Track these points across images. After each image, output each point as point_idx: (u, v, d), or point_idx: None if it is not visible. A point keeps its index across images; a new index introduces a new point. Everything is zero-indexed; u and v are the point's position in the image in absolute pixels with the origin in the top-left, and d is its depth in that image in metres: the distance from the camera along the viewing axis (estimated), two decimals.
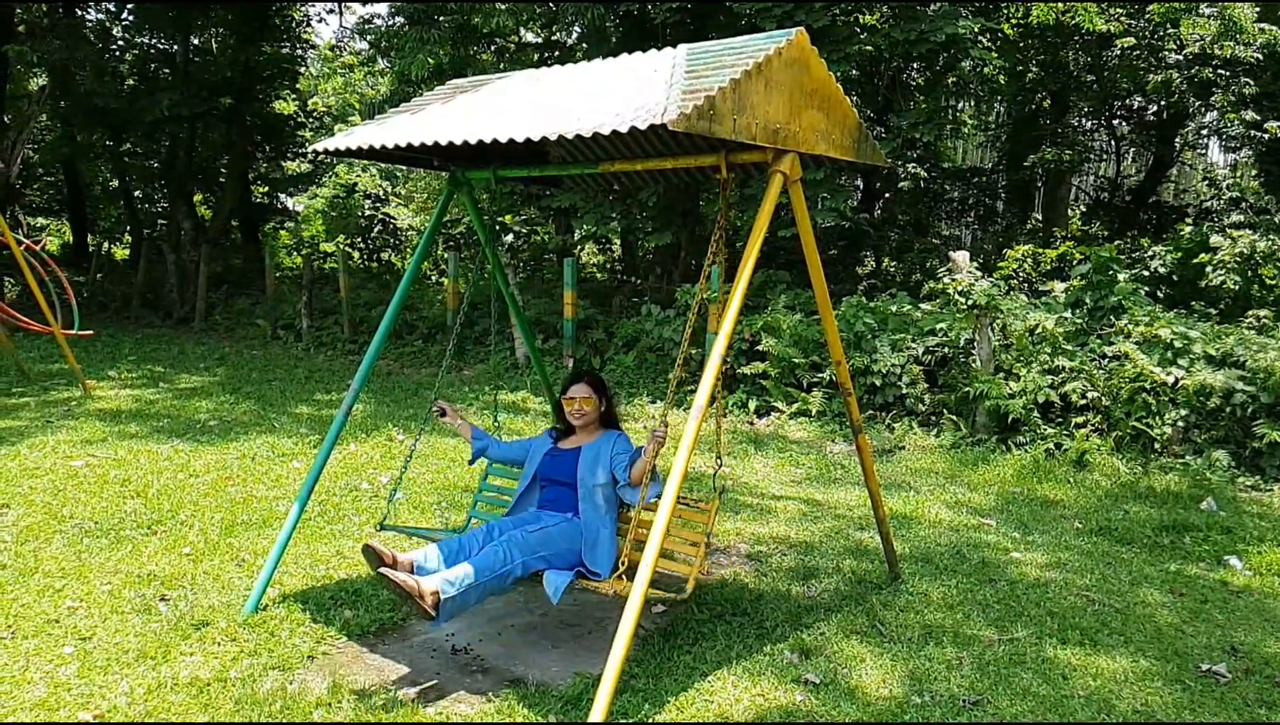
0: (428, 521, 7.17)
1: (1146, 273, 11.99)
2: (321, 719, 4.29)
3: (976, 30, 13.03)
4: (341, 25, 32.92)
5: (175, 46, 22.86)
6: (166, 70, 23.20)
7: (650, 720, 4.34)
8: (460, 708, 4.42)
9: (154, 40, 23.72)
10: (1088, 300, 11.10)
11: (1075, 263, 12.69)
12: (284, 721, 4.26)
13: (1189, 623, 5.70)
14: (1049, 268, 13.91)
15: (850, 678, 4.78)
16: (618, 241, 21.48)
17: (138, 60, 23.55)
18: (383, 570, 4.50)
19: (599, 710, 3.79)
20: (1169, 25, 14.28)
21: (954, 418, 10.44)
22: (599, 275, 22.28)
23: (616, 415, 5.71)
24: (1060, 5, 14.15)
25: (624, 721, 4.31)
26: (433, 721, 4.30)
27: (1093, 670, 4.97)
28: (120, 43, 23.55)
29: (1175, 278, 12.01)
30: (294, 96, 26.80)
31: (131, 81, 22.94)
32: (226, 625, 5.14)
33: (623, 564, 4.87)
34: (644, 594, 3.94)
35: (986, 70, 13.59)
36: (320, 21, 43.56)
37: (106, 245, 29.47)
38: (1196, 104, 15.91)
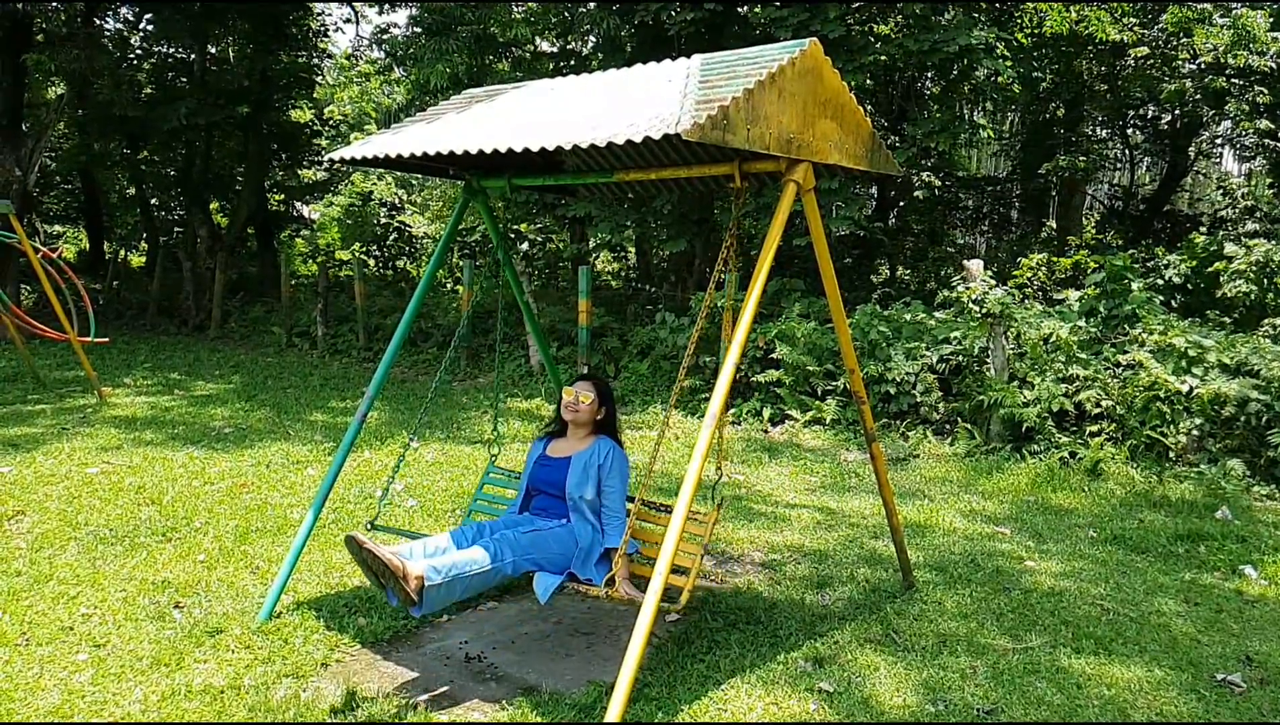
0: (443, 528, 7.17)
1: (1161, 281, 11.95)
2: None
3: (991, 40, 13.02)
4: (358, 34, 33.00)
5: (193, 55, 22.99)
6: (184, 79, 23.33)
7: None
8: (474, 715, 4.43)
9: (171, 49, 23.85)
10: (1102, 309, 11.08)
11: (1089, 271, 12.66)
12: None
13: (1204, 632, 5.68)
14: (1063, 276, 13.89)
15: (864, 687, 4.78)
16: (632, 249, 21.52)
17: (155, 69, 23.67)
18: (366, 546, 4.34)
19: (614, 714, 3.78)
20: (1182, 34, 14.27)
21: (968, 426, 10.42)
22: (614, 283, 22.31)
23: (617, 426, 5.63)
24: (1073, 15, 14.14)
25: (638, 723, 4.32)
26: None
27: (1107, 679, 4.96)
28: (138, 51, 23.69)
29: (1189, 287, 11.97)
30: (310, 105, 26.90)
31: (149, 90, 23.07)
32: (240, 632, 5.16)
33: (614, 573, 4.84)
34: (657, 602, 3.94)
35: (1000, 79, 13.59)
36: (337, 30, 43.69)
37: (123, 253, 29.64)
38: (1210, 113, 15.90)
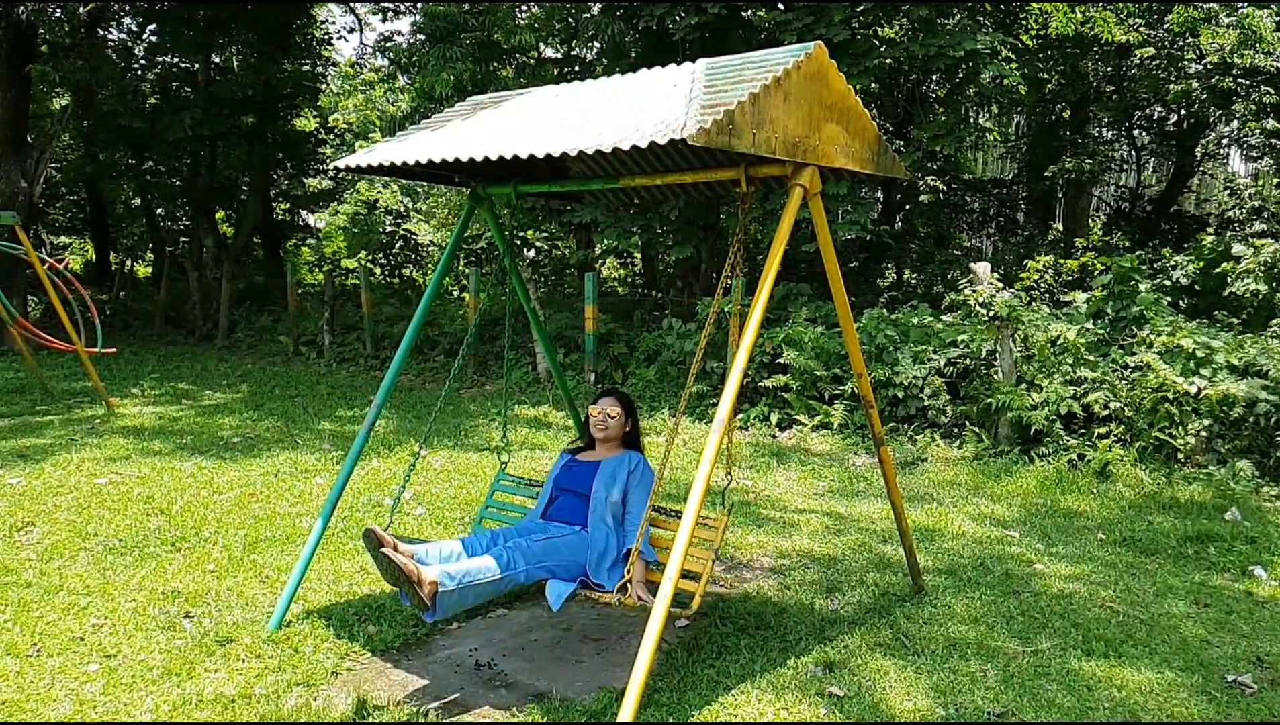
0: (451, 536, 7.17)
1: (1168, 283, 11.93)
2: None
3: (995, 45, 13.01)
4: (362, 42, 33.06)
5: (197, 65, 23.03)
6: (188, 89, 23.37)
7: None
8: (484, 723, 4.42)
9: (176, 59, 23.91)
10: (1109, 311, 11.05)
11: (1096, 273, 12.64)
12: None
13: (1214, 634, 5.66)
14: (1070, 278, 13.87)
15: (875, 692, 4.77)
16: (638, 255, 21.52)
17: (160, 79, 23.73)
18: (383, 551, 4.41)
19: (624, 719, 3.77)
20: (1188, 35, 14.25)
21: (976, 429, 10.41)
22: (620, 289, 22.31)
23: (641, 439, 5.74)
24: (1079, 16, 14.13)
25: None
26: None
27: (1118, 682, 4.94)
28: (142, 62, 23.75)
29: (1197, 288, 11.94)
30: (315, 114, 26.95)
31: (154, 100, 23.13)
32: (250, 642, 5.16)
33: (628, 577, 4.75)
34: (666, 608, 3.93)
35: (1006, 82, 13.61)
36: (341, 39, 43.80)
37: (129, 263, 29.70)
38: (1217, 113, 15.88)
